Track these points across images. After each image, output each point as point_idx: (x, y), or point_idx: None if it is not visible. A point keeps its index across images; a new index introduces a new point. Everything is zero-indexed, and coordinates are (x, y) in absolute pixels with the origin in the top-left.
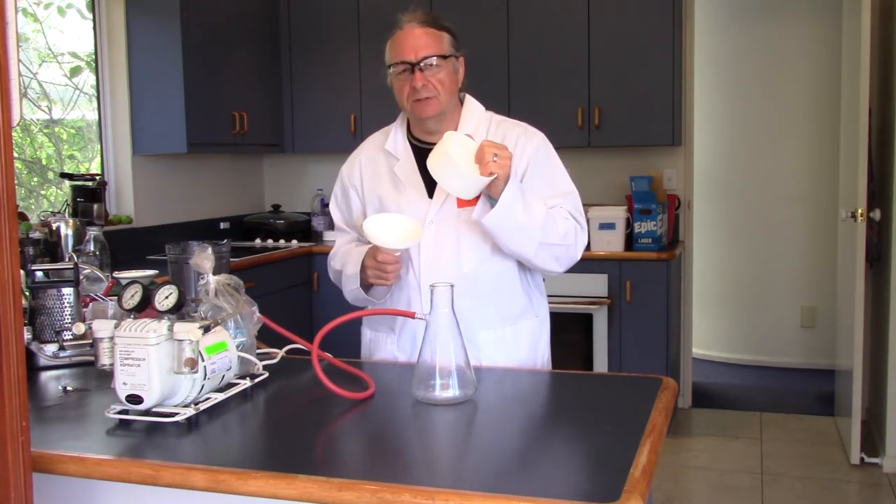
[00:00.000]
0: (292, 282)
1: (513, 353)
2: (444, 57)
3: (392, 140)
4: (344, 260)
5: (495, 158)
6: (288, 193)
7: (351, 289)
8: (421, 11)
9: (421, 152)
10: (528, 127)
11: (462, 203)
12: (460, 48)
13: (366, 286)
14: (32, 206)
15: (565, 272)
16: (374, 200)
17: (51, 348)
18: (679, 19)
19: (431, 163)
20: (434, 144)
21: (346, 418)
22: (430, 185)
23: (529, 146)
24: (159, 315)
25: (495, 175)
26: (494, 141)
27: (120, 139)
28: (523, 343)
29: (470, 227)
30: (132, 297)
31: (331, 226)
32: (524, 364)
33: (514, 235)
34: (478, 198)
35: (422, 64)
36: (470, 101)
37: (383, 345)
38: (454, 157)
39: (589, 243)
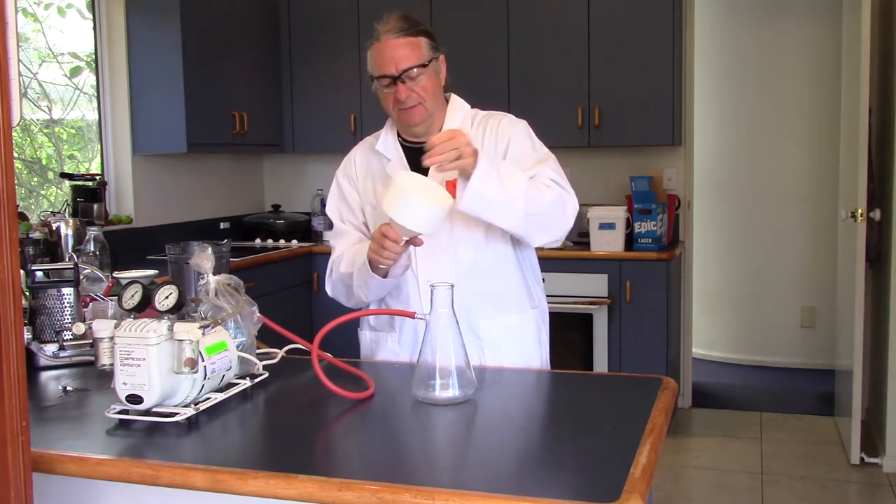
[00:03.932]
0: (292, 282)
1: (517, 342)
2: (424, 65)
3: (383, 141)
4: (353, 257)
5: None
6: (288, 193)
7: (363, 276)
8: (394, 19)
9: (411, 152)
10: (510, 116)
11: (453, 192)
12: (439, 48)
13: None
14: (32, 206)
15: (565, 272)
16: (370, 197)
17: (51, 348)
18: (679, 19)
19: (387, 206)
20: (423, 144)
21: (346, 418)
22: None
23: (510, 130)
24: (159, 315)
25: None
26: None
27: (120, 139)
28: (525, 333)
29: (463, 216)
30: (132, 297)
31: (331, 225)
32: (527, 355)
33: (495, 211)
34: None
35: (403, 76)
36: (455, 100)
37: (384, 343)
38: (408, 189)
39: (589, 243)
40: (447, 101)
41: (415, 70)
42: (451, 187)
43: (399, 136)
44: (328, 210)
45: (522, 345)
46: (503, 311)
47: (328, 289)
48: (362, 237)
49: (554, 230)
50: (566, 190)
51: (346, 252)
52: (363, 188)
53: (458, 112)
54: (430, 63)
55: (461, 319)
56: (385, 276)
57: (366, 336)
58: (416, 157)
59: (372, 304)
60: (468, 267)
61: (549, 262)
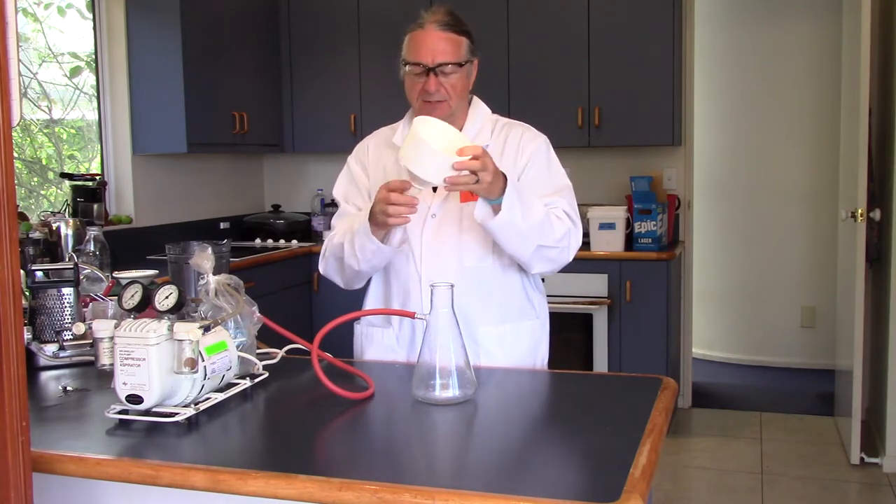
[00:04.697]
0: (292, 282)
1: (512, 350)
2: (461, 64)
3: (400, 135)
4: (346, 229)
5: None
6: (288, 193)
7: (360, 239)
8: (443, 12)
9: None
10: (532, 129)
11: (465, 198)
12: (476, 52)
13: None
14: (32, 206)
15: (565, 272)
16: (378, 187)
17: (51, 348)
18: (679, 19)
19: (403, 147)
20: None
21: (346, 418)
22: None
23: (531, 146)
24: (159, 315)
25: (464, 157)
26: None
27: (120, 139)
28: (523, 342)
29: (472, 221)
30: (132, 297)
31: (330, 225)
32: (523, 363)
33: (513, 238)
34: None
35: (437, 69)
36: (477, 102)
37: (379, 339)
38: (425, 138)
39: (589, 243)
40: (469, 102)
41: (450, 67)
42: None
43: None
44: (335, 192)
45: (519, 353)
46: (502, 319)
47: (321, 267)
48: None
49: (555, 262)
50: (575, 224)
51: (341, 228)
52: (373, 178)
53: (479, 116)
54: (466, 64)
55: (460, 324)
56: (383, 241)
57: (357, 330)
58: None
59: (366, 302)
60: (471, 273)
61: None
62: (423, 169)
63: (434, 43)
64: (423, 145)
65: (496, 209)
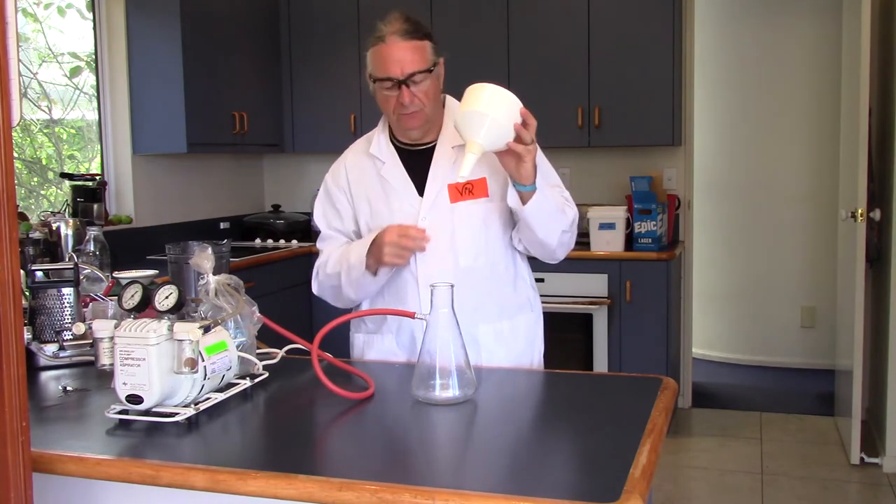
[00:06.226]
0: (292, 282)
1: (511, 346)
2: (430, 70)
3: (376, 144)
4: (341, 257)
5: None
6: (288, 193)
7: (355, 275)
8: (400, 21)
9: (405, 154)
10: None
11: (455, 198)
12: (440, 51)
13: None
14: (32, 206)
15: (565, 272)
16: (364, 204)
17: (51, 348)
18: (679, 19)
19: (468, 108)
20: (418, 147)
21: (346, 418)
22: (420, 183)
23: None
24: (159, 315)
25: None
26: None
27: (120, 139)
28: (521, 337)
29: (464, 221)
30: (132, 297)
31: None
32: (521, 358)
33: (545, 222)
34: (471, 192)
35: (408, 80)
36: (450, 102)
37: (379, 345)
38: (492, 106)
39: (589, 243)
40: (443, 103)
41: (420, 75)
42: (452, 190)
43: (393, 137)
44: (315, 215)
45: (518, 349)
46: (501, 315)
47: (315, 289)
48: (349, 242)
49: (568, 247)
50: (576, 213)
51: (332, 253)
52: (356, 191)
53: (455, 116)
54: (434, 68)
55: (460, 324)
56: (375, 272)
57: (359, 339)
58: (409, 159)
59: (363, 303)
60: (468, 272)
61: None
62: (494, 129)
63: (400, 55)
64: (507, 101)
65: (523, 196)
